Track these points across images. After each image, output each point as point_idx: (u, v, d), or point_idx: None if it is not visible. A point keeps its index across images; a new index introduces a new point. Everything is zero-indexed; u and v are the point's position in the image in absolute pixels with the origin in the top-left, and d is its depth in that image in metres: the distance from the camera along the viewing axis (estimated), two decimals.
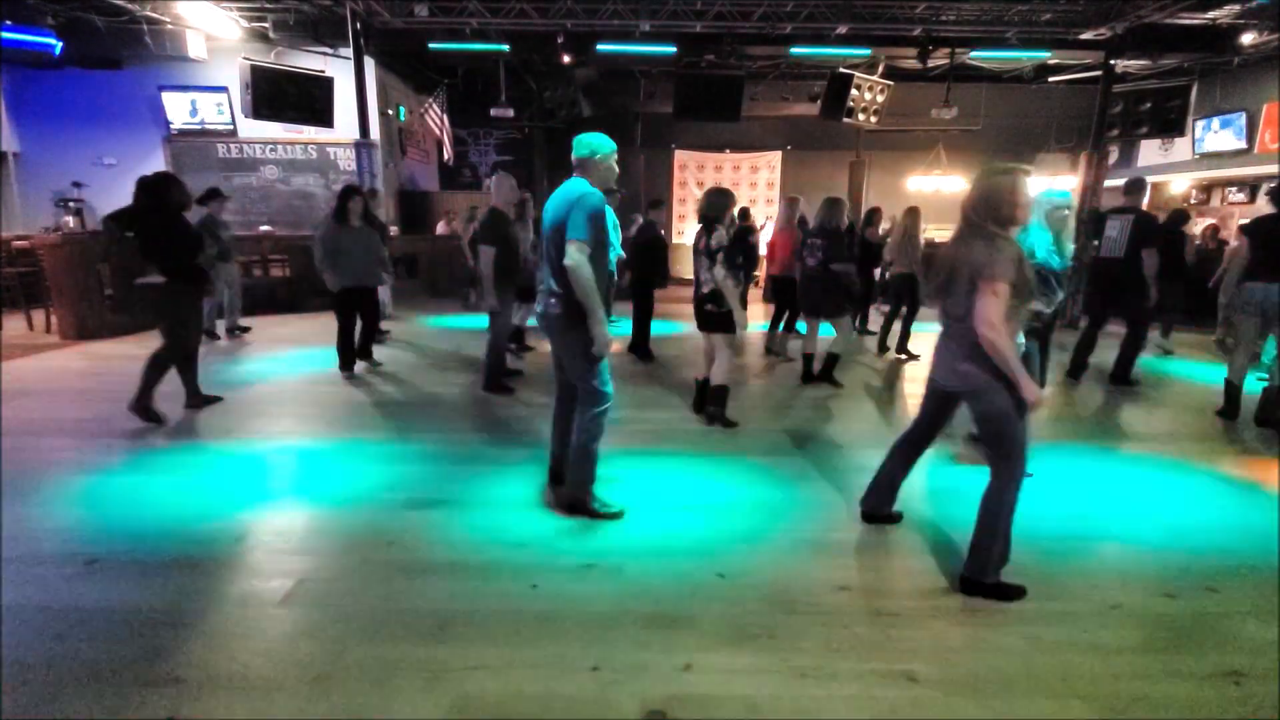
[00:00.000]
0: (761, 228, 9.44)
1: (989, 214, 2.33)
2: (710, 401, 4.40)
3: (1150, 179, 12.52)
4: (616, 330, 7.64)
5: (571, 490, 3.10)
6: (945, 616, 2.35)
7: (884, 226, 7.69)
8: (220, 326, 7.14)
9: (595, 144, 2.90)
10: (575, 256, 2.71)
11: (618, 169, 3.03)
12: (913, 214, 6.40)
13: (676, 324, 7.75)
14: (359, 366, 5.70)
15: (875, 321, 7.77)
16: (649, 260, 6.17)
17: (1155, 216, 5.42)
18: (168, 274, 4.16)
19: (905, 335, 6.57)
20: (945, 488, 3.46)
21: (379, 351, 6.20)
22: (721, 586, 2.52)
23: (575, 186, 2.85)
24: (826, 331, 5.44)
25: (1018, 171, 2.36)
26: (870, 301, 8.11)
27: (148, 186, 4.17)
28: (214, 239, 6.56)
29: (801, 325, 6.15)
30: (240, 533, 2.88)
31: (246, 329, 7.34)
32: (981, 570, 2.45)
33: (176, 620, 2.27)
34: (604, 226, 2.85)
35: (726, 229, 4.13)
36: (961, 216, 2.43)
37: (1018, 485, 2.41)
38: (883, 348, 6.82)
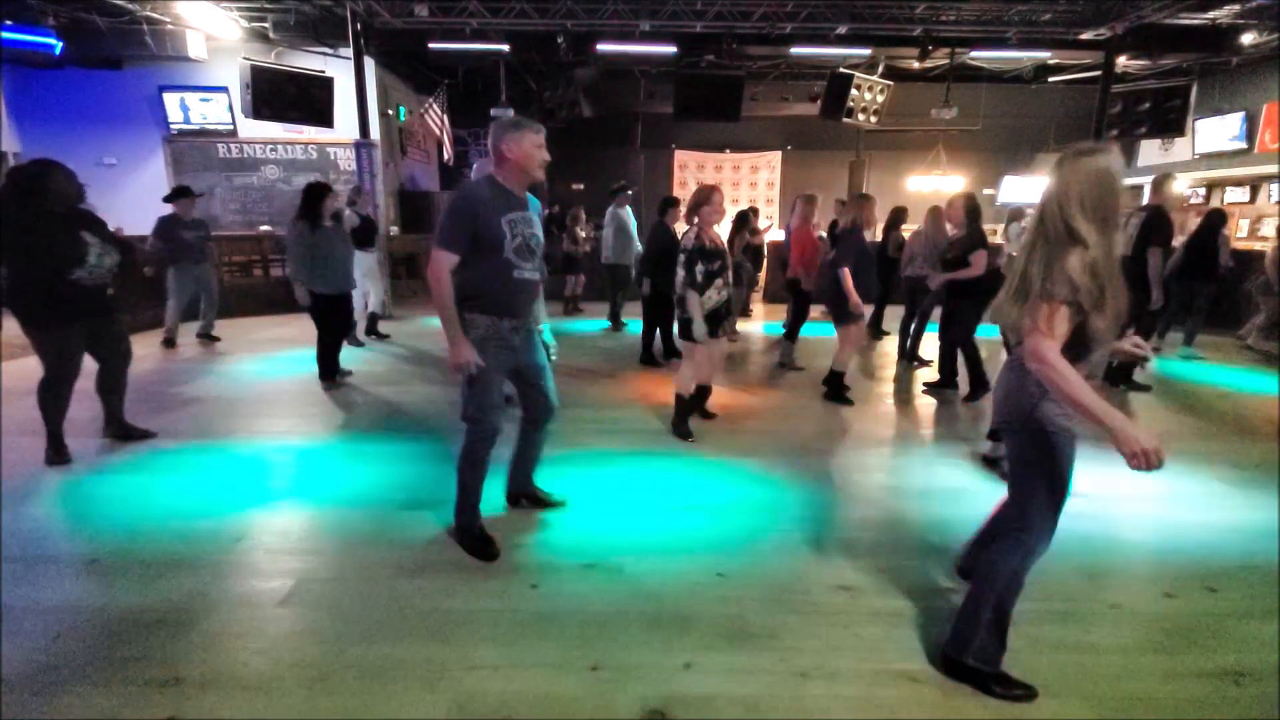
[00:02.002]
0: (766, 229, 9.40)
1: (1080, 209, 1.70)
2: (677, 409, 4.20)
3: (1151, 179, 12.59)
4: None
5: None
6: (945, 616, 2.34)
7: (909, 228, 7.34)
8: (184, 331, 6.86)
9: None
10: (432, 263, 2.41)
11: (544, 155, 2.50)
12: (935, 214, 6.14)
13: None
14: (326, 380, 5.29)
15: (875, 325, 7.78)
16: (666, 267, 5.49)
17: (1167, 215, 5.23)
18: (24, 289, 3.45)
19: (917, 340, 6.39)
20: (947, 487, 3.46)
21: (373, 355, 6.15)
22: (721, 586, 2.53)
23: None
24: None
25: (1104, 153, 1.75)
26: (885, 304, 7.92)
27: (19, 179, 3.40)
28: (169, 240, 6.39)
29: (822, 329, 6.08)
30: (240, 533, 2.89)
31: (217, 338, 7.01)
32: (958, 647, 2.01)
33: (176, 620, 2.27)
34: (473, 222, 2.39)
35: (698, 231, 3.89)
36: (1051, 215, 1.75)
37: (1023, 557, 1.91)
38: (911, 358, 6.35)
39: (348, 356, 5.69)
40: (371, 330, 7.18)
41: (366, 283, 6.87)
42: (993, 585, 1.95)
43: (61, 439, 3.69)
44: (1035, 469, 1.86)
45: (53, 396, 3.65)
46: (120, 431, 4.00)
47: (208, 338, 6.99)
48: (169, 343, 6.68)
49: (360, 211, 6.78)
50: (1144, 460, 1.58)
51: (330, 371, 5.34)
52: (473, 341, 2.48)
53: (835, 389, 5.01)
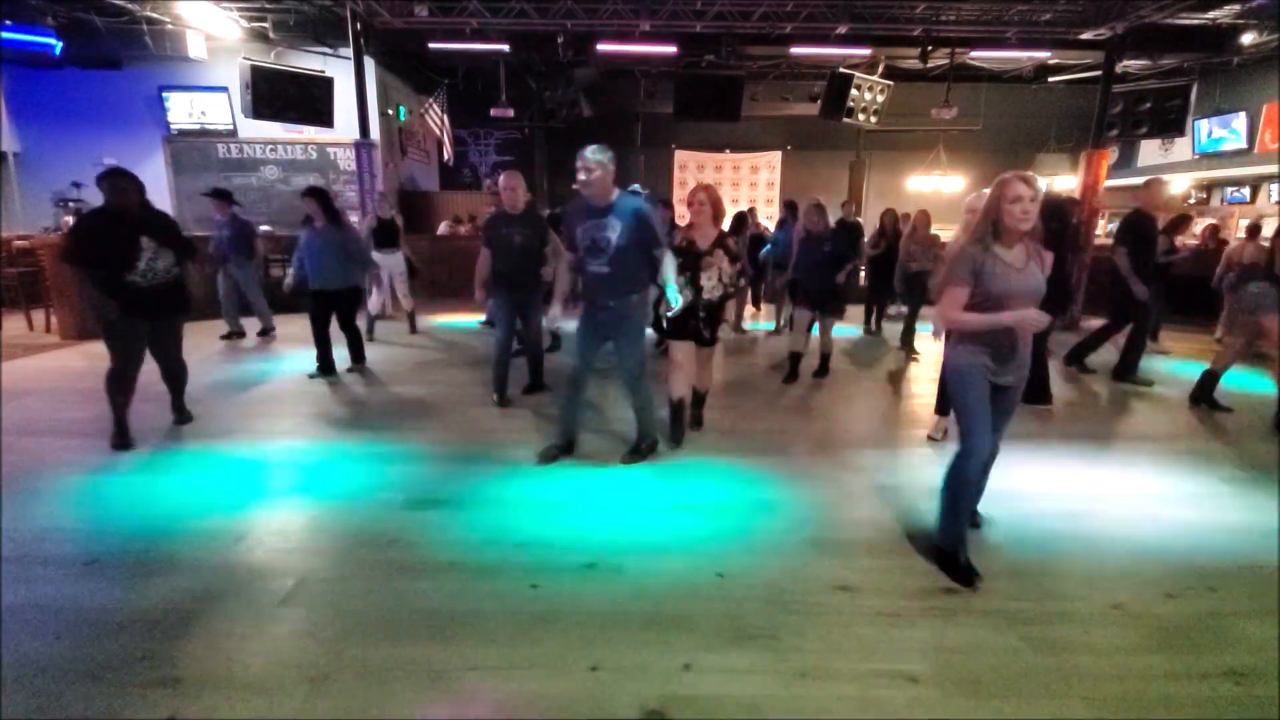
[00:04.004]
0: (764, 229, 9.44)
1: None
2: (699, 407, 4.30)
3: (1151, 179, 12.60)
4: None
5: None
6: (945, 616, 2.35)
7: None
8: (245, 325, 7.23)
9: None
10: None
11: (580, 177, 3.28)
12: (924, 216, 6.53)
13: None
14: (346, 371, 5.61)
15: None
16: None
17: (1142, 216, 5.47)
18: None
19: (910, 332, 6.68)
20: None
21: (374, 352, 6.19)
22: (721, 586, 2.53)
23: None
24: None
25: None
26: (888, 301, 8.10)
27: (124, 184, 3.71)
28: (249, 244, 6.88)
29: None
30: (240, 533, 2.88)
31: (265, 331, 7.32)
32: (940, 534, 2.71)
33: (176, 620, 2.27)
34: (569, 230, 3.49)
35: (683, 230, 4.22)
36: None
37: (966, 459, 2.53)
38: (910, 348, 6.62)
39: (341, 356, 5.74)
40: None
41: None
42: (950, 482, 2.62)
43: (125, 425, 3.89)
44: (949, 377, 2.61)
45: (116, 385, 3.86)
46: (180, 419, 4.31)
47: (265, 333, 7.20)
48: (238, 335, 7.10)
49: (380, 214, 7.08)
50: (1032, 322, 2.35)
51: (327, 365, 5.55)
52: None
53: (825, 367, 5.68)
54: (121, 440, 3.85)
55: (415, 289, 7.93)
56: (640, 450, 3.74)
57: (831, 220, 5.94)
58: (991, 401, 2.55)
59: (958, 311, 2.47)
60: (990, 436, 2.55)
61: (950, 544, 2.64)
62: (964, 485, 2.57)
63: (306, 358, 5.79)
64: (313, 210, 5.21)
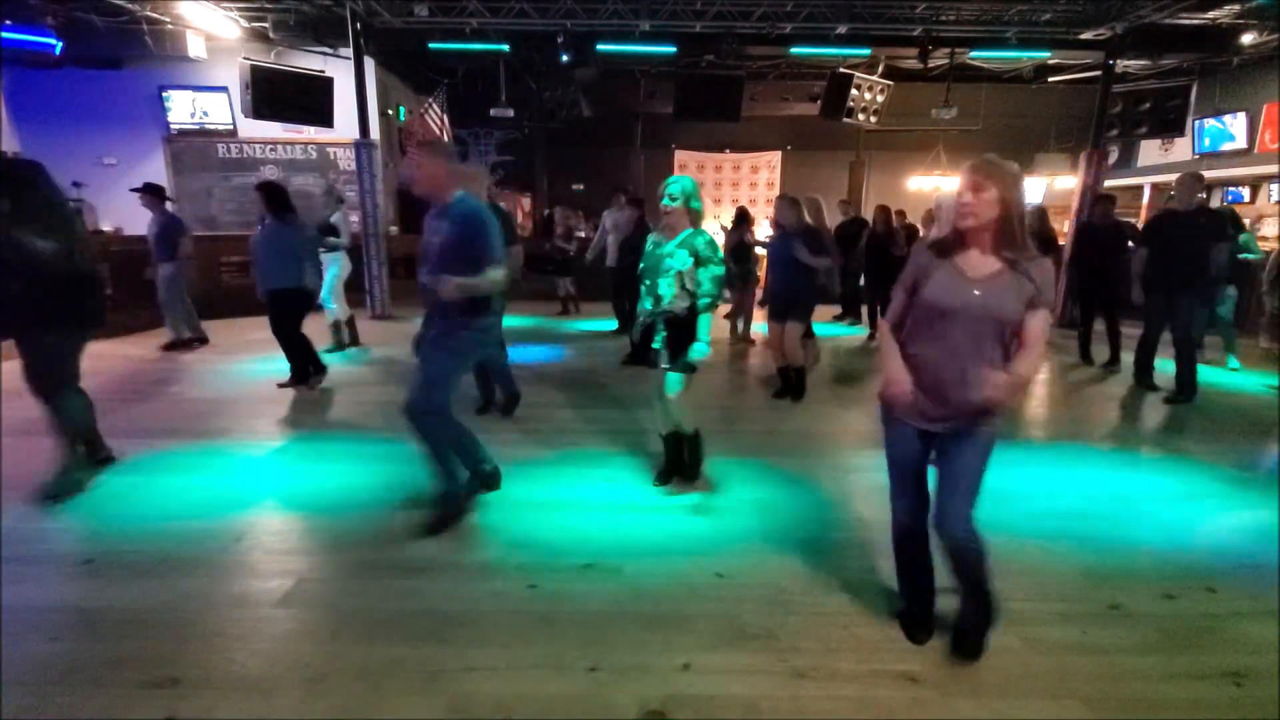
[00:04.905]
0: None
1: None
2: (694, 450, 3.44)
3: (1151, 179, 12.60)
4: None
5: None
6: (944, 617, 2.34)
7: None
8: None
9: None
10: None
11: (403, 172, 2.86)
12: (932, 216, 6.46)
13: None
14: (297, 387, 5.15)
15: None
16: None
17: (1171, 216, 5.12)
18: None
19: None
20: None
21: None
22: (720, 586, 2.52)
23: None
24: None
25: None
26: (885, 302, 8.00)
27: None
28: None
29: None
30: (238, 533, 2.88)
31: (181, 342, 6.70)
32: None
33: (175, 620, 2.26)
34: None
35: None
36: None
37: (893, 524, 2.15)
38: None
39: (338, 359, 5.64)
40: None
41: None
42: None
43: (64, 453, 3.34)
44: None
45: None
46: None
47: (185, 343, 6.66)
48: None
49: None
50: (891, 390, 1.95)
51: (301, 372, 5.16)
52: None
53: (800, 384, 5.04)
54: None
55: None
56: (443, 514, 2.94)
57: (832, 222, 5.86)
58: (939, 454, 2.02)
59: (890, 322, 2.10)
60: (910, 497, 2.06)
61: (907, 604, 2.29)
62: (899, 549, 2.18)
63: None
64: (261, 205, 4.80)
